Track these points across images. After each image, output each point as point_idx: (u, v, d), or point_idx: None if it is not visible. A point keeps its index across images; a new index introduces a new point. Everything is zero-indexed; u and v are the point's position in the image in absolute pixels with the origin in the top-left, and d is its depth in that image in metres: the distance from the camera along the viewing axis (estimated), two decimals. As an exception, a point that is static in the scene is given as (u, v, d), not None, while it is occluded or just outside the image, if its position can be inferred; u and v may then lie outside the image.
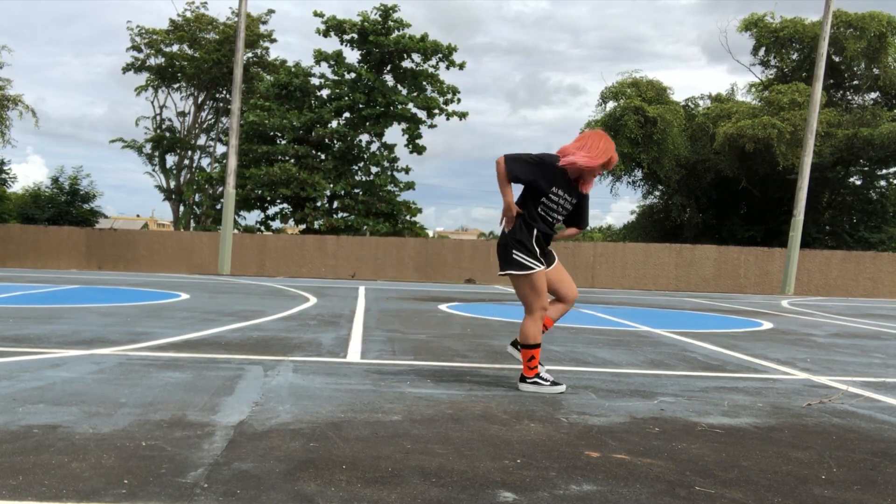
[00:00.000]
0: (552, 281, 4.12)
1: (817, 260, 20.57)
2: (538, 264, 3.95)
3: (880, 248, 27.64)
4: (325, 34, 25.99)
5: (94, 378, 3.94)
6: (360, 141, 26.53)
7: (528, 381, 4.05)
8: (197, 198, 33.31)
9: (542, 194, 3.96)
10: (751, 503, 2.30)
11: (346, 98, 25.87)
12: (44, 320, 6.60)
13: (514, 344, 4.21)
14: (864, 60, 28.41)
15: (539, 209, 3.98)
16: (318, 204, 26.22)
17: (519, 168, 3.91)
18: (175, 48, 31.98)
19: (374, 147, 26.66)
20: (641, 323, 8.67)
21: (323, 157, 26.57)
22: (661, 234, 32.35)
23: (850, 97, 31.23)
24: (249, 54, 31.76)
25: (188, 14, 31.81)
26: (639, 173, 32.25)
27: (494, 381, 4.34)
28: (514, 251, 3.95)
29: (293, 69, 27.86)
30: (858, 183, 29.53)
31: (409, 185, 26.72)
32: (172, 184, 33.84)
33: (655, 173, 29.75)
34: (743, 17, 42.56)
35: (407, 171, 26.75)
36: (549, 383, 4.03)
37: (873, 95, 30.77)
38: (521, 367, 4.14)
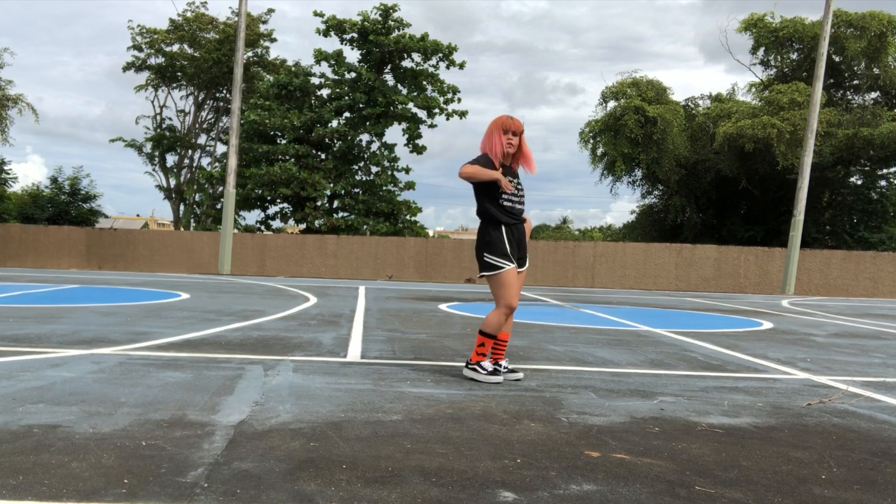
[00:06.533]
0: None
1: (817, 260, 20.57)
2: (507, 263, 4.20)
3: (880, 248, 27.62)
4: (325, 34, 25.98)
5: (94, 378, 3.94)
6: (361, 140, 26.52)
7: (469, 365, 4.34)
8: (197, 197, 33.28)
9: (497, 188, 4.19)
10: (751, 503, 2.30)
11: (347, 98, 25.86)
12: (44, 320, 6.60)
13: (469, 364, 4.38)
14: (865, 60, 28.39)
15: (501, 202, 4.21)
16: (319, 203, 26.20)
17: (481, 164, 4.19)
18: (175, 48, 31.96)
19: (374, 147, 26.67)
20: (641, 323, 8.67)
21: (323, 156, 26.55)
22: (661, 234, 32.36)
23: (850, 97, 31.22)
24: (249, 54, 31.74)
25: (188, 14, 31.78)
26: (638, 173, 32.25)
27: (494, 380, 4.34)
28: (484, 254, 4.24)
29: (293, 69, 27.83)
30: (859, 183, 29.50)
31: (410, 185, 26.72)
32: (173, 183, 33.81)
33: (655, 173, 29.74)
34: (742, 16, 42.56)
35: (407, 170, 26.74)
36: (485, 373, 4.27)
37: (873, 95, 30.75)
38: (519, 374, 4.39)
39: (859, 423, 3.53)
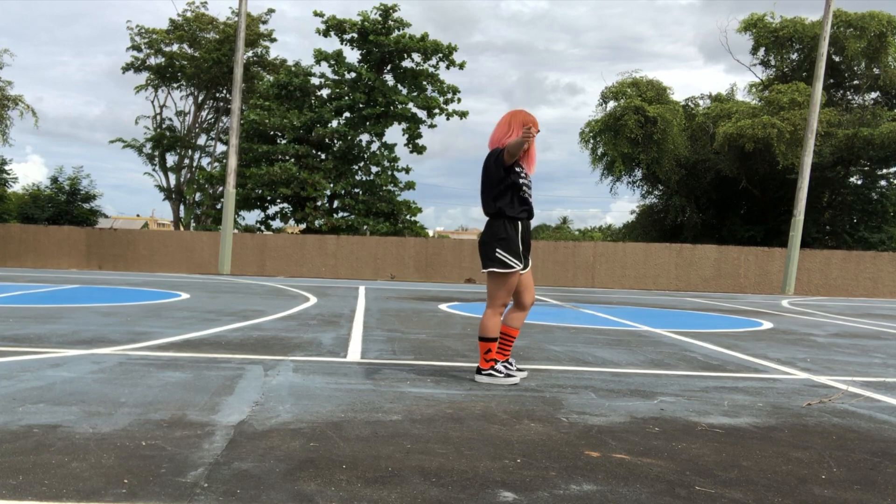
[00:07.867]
0: (519, 284, 4.29)
1: (817, 260, 20.57)
2: (518, 264, 4.14)
3: (880, 248, 27.63)
4: (325, 34, 25.98)
5: (94, 378, 3.94)
6: (361, 140, 26.52)
7: (483, 372, 4.25)
8: (197, 197, 33.27)
9: (518, 176, 4.14)
10: (751, 503, 2.30)
11: (347, 98, 25.86)
12: (44, 320, 6.60)
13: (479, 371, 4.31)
14: (864, 60, 28.41)
15: (520, 193, 4.16)
16: (319, 203, 26.21)
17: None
18: (175, 48, 31.95)
19: (374, 147, 26.67)
20: (641, 323, 8.67)
21: (323, 156, 26.55)
22: (661, 234, 32.36)
23: (850, 97, 31.22)
24: (249, 53, 31.73)
25: (188, 14, 31.77)
26: (638, 173, 32.25)
27: (494, 380, 4.33)
28: (498, 250, 4.14)
29: (293, 69, 27.84)
30: (859, 183, 29.51)
31: (410, 185, 26.72)
32: (173, 183, 33.80)
33: (655, 173, 29.74)
34: (742, 16, 42.57)
35: (407, 170, 26.74)
36: (503, 375, 4.21)
37: (873, 95, 30.76)
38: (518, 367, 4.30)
39: (859, 423, 3.53)
